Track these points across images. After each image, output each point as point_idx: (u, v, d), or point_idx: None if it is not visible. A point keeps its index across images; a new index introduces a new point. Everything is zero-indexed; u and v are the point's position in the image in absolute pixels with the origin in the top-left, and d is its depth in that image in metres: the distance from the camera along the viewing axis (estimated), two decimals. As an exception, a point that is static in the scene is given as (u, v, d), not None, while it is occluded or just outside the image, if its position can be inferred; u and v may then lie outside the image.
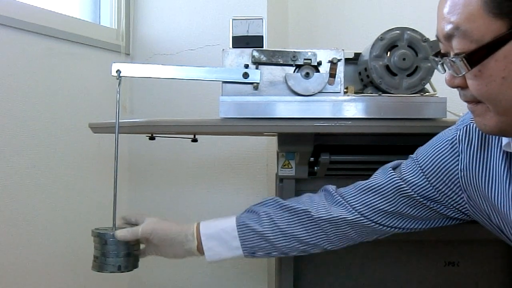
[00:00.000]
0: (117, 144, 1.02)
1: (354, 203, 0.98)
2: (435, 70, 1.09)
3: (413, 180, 0.93)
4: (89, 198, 1.68)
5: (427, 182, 0.92)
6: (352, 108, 1.07)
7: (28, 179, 1.46)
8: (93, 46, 1.71)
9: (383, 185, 0.96)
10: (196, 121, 1.14)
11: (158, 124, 1.11)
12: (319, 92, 1.07)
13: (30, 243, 1.47)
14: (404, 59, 1.09)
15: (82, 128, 1.36)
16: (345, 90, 1.10)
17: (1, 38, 1.37)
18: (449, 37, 0.71)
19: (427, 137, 1.18)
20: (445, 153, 0.90)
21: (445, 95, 1.08)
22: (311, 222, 0.99)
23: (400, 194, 0.95)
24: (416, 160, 0.95)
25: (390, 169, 0.97)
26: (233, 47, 1.09)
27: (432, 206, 0.94)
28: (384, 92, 1.10)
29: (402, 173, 0.95)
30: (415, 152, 0.97)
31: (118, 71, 1.03)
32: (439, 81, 1.15)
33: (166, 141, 1.34)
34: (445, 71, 0.75)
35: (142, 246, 1.05)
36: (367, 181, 0.99)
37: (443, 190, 0.91)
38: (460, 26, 0.69)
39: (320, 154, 1.18)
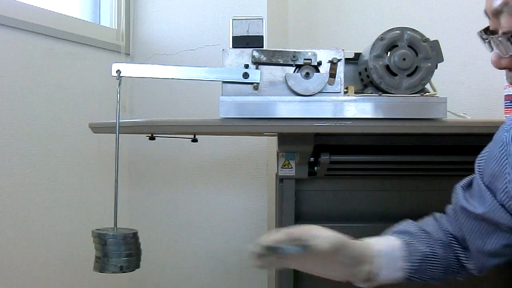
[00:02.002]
0: (118, 144, 1.02)
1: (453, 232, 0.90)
2: (437, 67, 1.10)
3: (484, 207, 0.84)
4: (89, 198, 1.68)
5: (494, 200, 0.83)
6: (352, 108, 1.07)
7: (28, 179, 1.46)
8: (93, 46, 1.71)
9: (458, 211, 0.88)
10: (196, 121, 1.14)
11: (158, 124, 1.11)
12: (319, 92, 1.07)
13: (30, 243, 1.47)
14: (404, 59, 1.09)
15: (82, 128, 1.36)
16: (345, 90, 1.10)
17: (1, 38, 1.37)
18: (497, 13, 0.66)
19: (427, 137, 1.19)
20: (497, 159, 0.82)
21: (445, 95, 1.08)
22: (444, 250, 0.90)
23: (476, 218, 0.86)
24: (481, 178, 0.85)
25: (462, 196, 0.88)
26: (233, 47, 1.09)
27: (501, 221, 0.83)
28: (384, 92, 1.10)
29: (472, 194, 0.87)
30: (478, 161, 0.87)
31: (118, 71, 1.03)
32: (439, 81, 1.15)
33: (166, 141, 1.34)
34: (492, 49, 0.70)
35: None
36: (451, 207, 0.91)
37: (503, 200, 0.82)
38: (510, 2, 0.64)
39: (320, 154, 1.18)
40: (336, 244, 0.80)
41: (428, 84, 1.12)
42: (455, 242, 0.89)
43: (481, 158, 0.87)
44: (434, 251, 0.88)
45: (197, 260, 1.85)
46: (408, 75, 1.10)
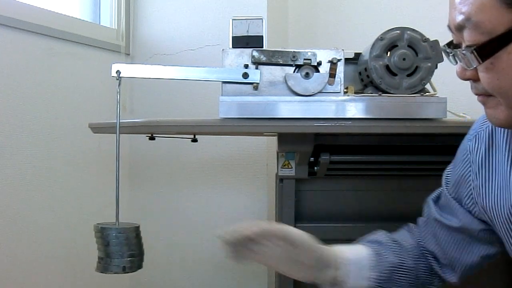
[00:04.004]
0: (118, 144, 1.02)
1: (422, 243, 0.93)
2: (437, 67, 1.10)
3: (446, 204, 0.88)
4: (89, 198, 1.68)
5: (459, 207, 0.87)
6: (352, 108, 1.07)
7: (28, 179, 1.46)
8: (93, 46, 1.71)
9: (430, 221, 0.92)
10: (196, 121, 1.14)
11: (158, 124, 1.11)
12: (319, 92, 1.07)
13: (30, 243, 1.47)
14: (404, 59, 1.09)
15: (82, 128, 1.36)
16: (345, 90, 1.10)
17: (1, 38, 1.37)
18: (460, 28, 0.68)
19: (427, 137, 1.19)
20: (461, 166, 0.86)
21: (445, 95, 1.08)
22: (422, 259, 0.92)
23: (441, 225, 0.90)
24: (446, 187, 0.89)
25: (435, 209, 0.91)
26: (233, 47, 1.09)
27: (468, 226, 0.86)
28: (384, 92, 1.10)
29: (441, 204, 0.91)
30: (445, 178, 0.91)
31: (118, 72, 1.03)
32: (439, 81, 1.15)
33: (166, 141, 1.34)
34: (457, 62, 0.72)
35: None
36: (423, 218, 0.94)
37: (468, 205, 0.85)
38: (472, 17, 0.66)
39: (320, 154, 1.18)
40: (289, 234, 0.82)
41: (428, 84, 1.12)
42: (428, 254, 0.92)
43: (448, 171, 0.91)
44: (403, 261, 0.89)
45: (197, 260, 1.85)
46: (408, 75, 1.10)
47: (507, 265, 1.33)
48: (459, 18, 0.68)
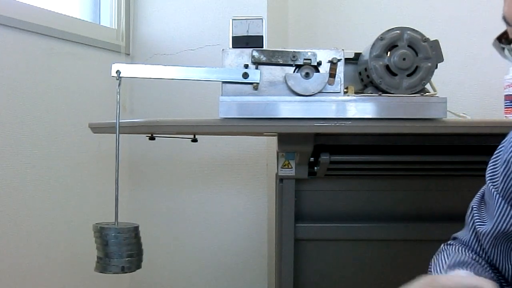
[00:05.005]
0: (118, 144, 1.02)
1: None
2: (437, 67, 1.10)
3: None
4: (89, 198, 1.68)
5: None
6: (352, 108, 1.07)
7: (28, 179, 1.46)
8: (93, 46, 1.71)
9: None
10: (196, 121, 1.14)
11: (158, 124, 1.11)
12: (319, 92, 1.07)
13: (30, 243, 1.47)
14: (404, 59, 1.09)
15: (82, 128, 1.36)
16: (345, 90, 1.10)
17: (1, 38, 1.37)
18: None
19: (427, 137, 1.19)
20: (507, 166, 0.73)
21: (445, 95, 1.08)
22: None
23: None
24: (493, 186, 0.76)
25: (475, 210, 0.80)
26: (233, 47, 1.09)
27: None
28: (384, 92, 1.10)
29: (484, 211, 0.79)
30: (490, 168, 0.78)
31: (118, 72, 1.03)
32: (439, 81, 1.15)
33: (166, 141, 1.34)
34: None
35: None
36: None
37: None
38: None
39: (320, 154, 1.18)
40: None
41: (428, 84, 1.12)
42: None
43: (493, 165, 0.77)
44: (491, 276, 0.77)
45: (197, 260, 1.85)
46: (408, 75, 1.10)
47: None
48: None
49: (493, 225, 0.75)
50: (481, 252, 0.80)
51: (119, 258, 0.98)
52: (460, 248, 0.83)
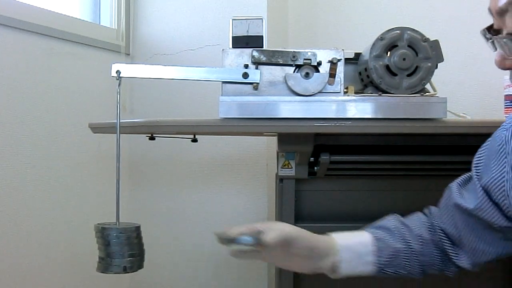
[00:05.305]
0: (119, 144, 1.02)
1: (440, 224, 0.92)
2: (437, 67, 1.10)
3: (473, 196, 0.85)
4: (89, 198, 1.68)
5: (484, 195, 0.83)
6: (352, 108, 1.07)
7: (28, 179, 1.46)
8: (93, 46, 1.71)
9: (448, 202, 0.90)
10: (196, 121, 1.14)
11: (158, 124, 1.11)
12: (319, 92, 1.07)
13: (30, 243, 1.47)
14: (404, 59, 1.09)
15: (82, 128, 1.36)
16: (345, 90, 1.10)
17: (1, 38, 1.37)
18: (502, 12, 0.64)
19: (427, 137, 1.19)
20: (495, 156, 0.81)
21: (445, 95, 1.08)
22: (434, 243, 0.92)
23: (461, 210, 0.87)
24: (477, 178, 0.85)
25: (456, 192, 0.89)
26: (233, 47, 1.09)
27: (491, 219, 0.84)
28: (384, 92, 1.10)
29: (466, 194, 0.87)
30: (475, 163, 0.87)
31: (118, 72, 1.03)
32: (439, 81, 1.15)
33: (166, 141, 1.34)
34: (496, 49, 0.67)
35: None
36: (442, 200, 0.93)
37: (497, 198, 0.82)
38: None
39: (320, 154, 1.18)
40: (284, 237, 0.84)
41: (428, 84, 1.12)
42: (444, 238, 0.90)
43: (479, 157, 0.87)
44: (410, 246, 0.89)
45: (197, 260, 1.85)
46: (408, 75, 1.10)
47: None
48: (502, 1, 0.63)
49: (473, 209, 0.83)
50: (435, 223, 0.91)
51: (121, 258, 0.98)
52: (418, 214, 0.95)
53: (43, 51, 1.51)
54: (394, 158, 1.21)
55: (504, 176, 0.80)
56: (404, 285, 1.32)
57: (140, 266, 1.02)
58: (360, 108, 1.07)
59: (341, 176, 1.30)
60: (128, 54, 1.88)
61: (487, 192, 0.83)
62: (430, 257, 0.91)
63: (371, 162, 1.22)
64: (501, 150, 0.81)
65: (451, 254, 0.90)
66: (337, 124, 1.06)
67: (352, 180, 1.36)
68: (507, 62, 0.67)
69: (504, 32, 0.65)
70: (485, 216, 0.83)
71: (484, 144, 0.86)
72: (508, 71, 0.69)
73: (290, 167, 1.27)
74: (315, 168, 1.25)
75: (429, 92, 1.13)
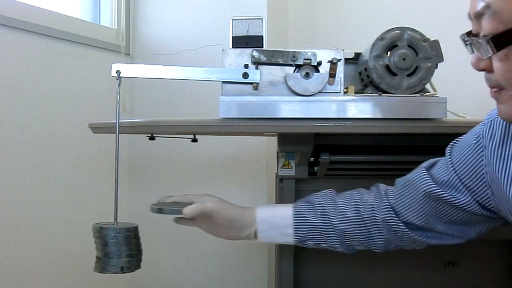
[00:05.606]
0: (118, 145, 1.02)
1: (395, 205, 0.98)
2: (437, 67, 1.10)
3: (444, 178, 0.91)
4: (89, 198, 1.68)
5: (458, 180, 0.90)
6: (352, 108, 1.07)
7: (28, 179, 1.46)
8: (93, 46, 1.71)
9: (415, 186, 0.95)
10: (196, 121, 1.14)
11: (158, 124, 1.11)
12: (319, 92, 1.07)
13: (30, 243, 1.47)
14: (404, 59, 1.09)
15: (82, 128, 1.36)
16: (345, 90, 1.10)
17: (1, 38, 1.37)
18: (479, 15, 0.68)
19: (427, 137, 1.19)
20: (471, 149, 0.88)
21: (445, 95, 1.08)
22: (359, 221, 0.99)
23: (431, 195, 0.93)
24: (449, 158, 0.93)
25: (424, 169, 0.96)
26: (233, 47, 1.09)
27: (462, 205, 0.91)
28: (384, 92, 1.10)
29: (436, 171, 0.94)
30: (450, 146, 0.94)
31: (118, 72, 1.03)
32: (439, 81, 1.15)
33: (166, 141, 1.34)
34: (473, 52, 0.72)
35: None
36: (404, 180, 0.99)
37: (472, 187, 0.89)
38: (491, 5, 0.66)
39: (320, 154, 1.18)
40: (202, 211, 1.00)
41: (428, 84, 1.12)
42: (394, 218, 0.98)
43: (454, 143, 0.94)
44: (331, 223, 1.00)
45: (197, 260, 1.85)
46: (408, 75, 1.10)
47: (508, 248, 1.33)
48: (480, 5, 0.68)
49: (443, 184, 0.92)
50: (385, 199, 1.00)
51: (118, 258, 0.98)
52: (360, 190, 1.05)
53: (43, 51, 1.51)
54: (394, 158, 1.21)
55: (483, 169, 0.86)
56: (405, 270, 1.32)
57: (137, 266, 1.02)
58: (360, 108, 1.07)
59: (341, 176, 1.30)
60: (128, 54, 1.88)
61: (457, 174, 0.90)
62: (355, 234, 0.99)
63: (371, 162, 1.22)
64: (478, 143, 0.86)
65: (400, 230, 0.98)
66: (337, 124, 1.06)
67: (352, 180, 1.35)
68: (481, 63, 0.71)
69: (481, 34, 0.69)
70: (453, 193, 0.90)
71: (460, 137, 0.94)
72: (483, 73, 0.74)
73: (290, 167, 1.27)
74: (315, 168, 1.25)
75: (429, 92, 1.13)
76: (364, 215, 0.99)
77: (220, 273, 1.83)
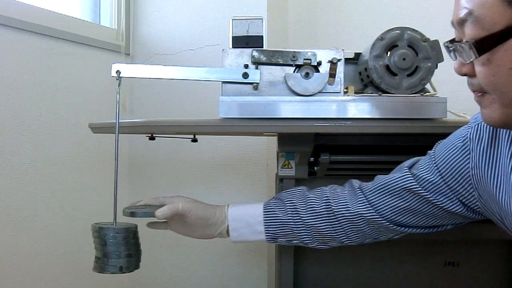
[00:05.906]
0: (118, 144, 1.02)
1: (372, 199, 1.00)
2: (437, 67, 1.10)
3: (428, 177, 0.93)
4: (89, 198, 1.68)
5: (441, 180, 0.92)
6: (352, 108, 1.07)
7: (28, 179, 1.46)
8: (93, 46, 1.71)
9: (397, 183, 0.97)
10: (196, 121, 1.14)
11: (158, 124, 1.11)
12: (319, 92, 1.07)
13: (30, 243, 1.47)
14: (404, 59, 1.09)
15: (82, 128, 1.36)
16: (345, 90, 1.10)
17: (1, 38, 1.37)
18: (462, 22, 0.71)
19: (427, 137, 1.19)
20: (457, 151, 0.89)
21: (445, 95, 1.08)
22: (330, 216, 1.01)
23: (413, 193, 0.95)
24: (433, 157, 0.94)
25: (406, 168, 0.98)
26: (233, 47, 1.09)
27: (443, 205, 0.93)
28: (384, 92, 1.10)
29: (418, 170, 0.95)
30: (433, 148, 0.97)
31: (118, 72, 1.03)
32: (439, 81, 1.15)
33: (166, 141, 1.34)
34: (456, 58, 0.74)
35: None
36: (385, 177, 1.00)
37: (457, 189, 0.91)
38: (474, 12, 0.68)
39: (320, 154, 1.18)
40: (174, 211, 1.00)
41: (428, 84, 1.12)
42: (369, 208, 0.99)
43: (437, 144, 0.96)
44: (302, 219, 1.01)
45: (197, 260, 1.85)
46: (408, 75, 1.10)
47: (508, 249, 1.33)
48: (462, 12, 0.70)
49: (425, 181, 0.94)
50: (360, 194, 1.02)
51: (117, 258, 0.98)
52: (333, 187, 1.06)
53: (43, 51, 1.51)
54: (394, 158, 1.21)
55: (469, 172, 0.88)
56: (405, 270, 1.32)
57: (136, 266, 1.02)
58: (360, 108, 1.07)
59: (341, 176, 1.30)
60: (128, 54, 1.88)
61: (441, 175, 0.92)
62: (325, 229, 1.01)
63: (371, 162, 1.22)
64: (465, 146, 0.88)
65: (379, 224, 0.99)
66: (337, 124, 1.06)
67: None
68: (464, 68, 0.73)
69: (464, 40, 0.71)
70: (436, 193, 0.92)
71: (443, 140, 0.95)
72: (465, 77, 0.76)
73: (290, 167, 1.27)
74: (315, 168, 1.25)
75: (429, 92, 1.13)
76: (335, 209, 1.00)
77: (220, 273, 1.83)
